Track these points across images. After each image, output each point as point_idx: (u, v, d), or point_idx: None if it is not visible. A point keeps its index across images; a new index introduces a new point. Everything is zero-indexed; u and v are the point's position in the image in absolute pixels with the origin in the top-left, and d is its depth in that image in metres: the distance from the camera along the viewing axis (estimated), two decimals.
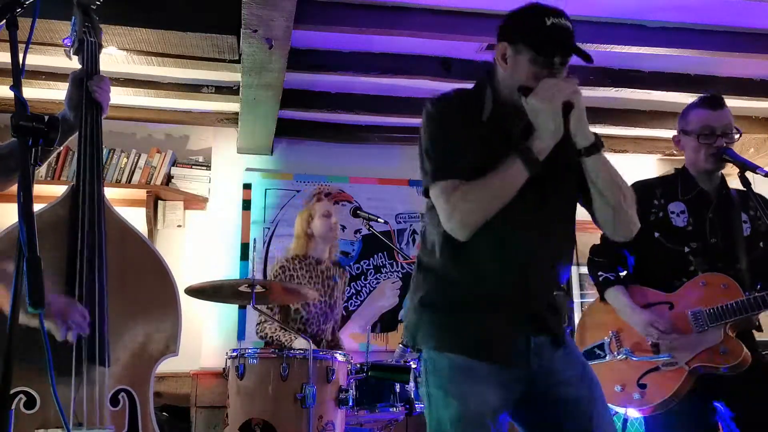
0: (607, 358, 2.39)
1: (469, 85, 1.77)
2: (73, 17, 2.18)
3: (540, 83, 1.57)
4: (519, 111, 1.62)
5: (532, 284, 1.65)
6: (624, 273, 2.50)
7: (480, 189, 1.56)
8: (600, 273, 2.45)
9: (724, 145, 2.33)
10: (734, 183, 2.45)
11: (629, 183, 1.73)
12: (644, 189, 2.39)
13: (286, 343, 3.22)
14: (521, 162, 1.54)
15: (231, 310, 4.39)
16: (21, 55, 1.27)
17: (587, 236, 2.89)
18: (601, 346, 2.42)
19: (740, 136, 2.41)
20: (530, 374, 1.63)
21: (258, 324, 3.39)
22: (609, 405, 2.33)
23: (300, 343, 3.21)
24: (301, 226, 3.59)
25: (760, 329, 2.34)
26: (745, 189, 2.34)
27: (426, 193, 1.66)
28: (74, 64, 2.21)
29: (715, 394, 2.26)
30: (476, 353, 1.59)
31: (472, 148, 1.60)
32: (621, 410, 2.36)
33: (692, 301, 2.30)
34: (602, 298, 2.45)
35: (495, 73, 1.70)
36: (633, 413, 2.34)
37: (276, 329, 3.29)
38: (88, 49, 2.14)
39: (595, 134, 1.62)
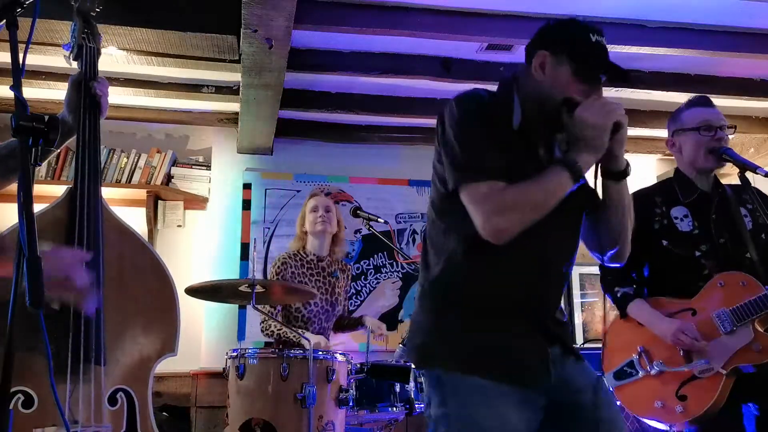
0: (639, 375, 2.34)
1: (473, 86, 1.75)
2: (73, 23, 2.21)
3: (591, 99, 1.55)
4: (548, 121, 1.60)
5: (551, 294, 1.64)
6: (638, 280, 2.46)
7: (524, 195, 1.51)
8: (617, 289, 2.41)
9: (725, 138, 2.37)
10: (729, 182, 2.46)
11: (629, 183, 1.72)
12: (643, 198, 2.38)
13: (294, 339, 3.22)
14: (568, 174, 1.52)
15: (231, 310, 4.39)
16: (21, 55, 1.27)
17: None
18: (630, 365, 2.37)
19: (735, 130, 2.45)
20: (548, 388, 1.57)
21: (262, 322, 3.38)
22: (653, 422, 2.30)
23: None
24: (299, 225, 3.64)
25: None
26: (740, 184, 2.34)
27: (448, 188, 1.57)
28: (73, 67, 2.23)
29: (744, 396, 2.23)
30: (508, 378, 1.52)
31: (505, 152, 1.55)
32: (665, 427, 2.29)
33: (714, 304, 2.26)
34: (623, 315, 2.41)
35: (523, 81, 1.67)
36: (679, 427, 2.27)
37: (281, 326, 3.29)
38: (87, 55, 2.15)
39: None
